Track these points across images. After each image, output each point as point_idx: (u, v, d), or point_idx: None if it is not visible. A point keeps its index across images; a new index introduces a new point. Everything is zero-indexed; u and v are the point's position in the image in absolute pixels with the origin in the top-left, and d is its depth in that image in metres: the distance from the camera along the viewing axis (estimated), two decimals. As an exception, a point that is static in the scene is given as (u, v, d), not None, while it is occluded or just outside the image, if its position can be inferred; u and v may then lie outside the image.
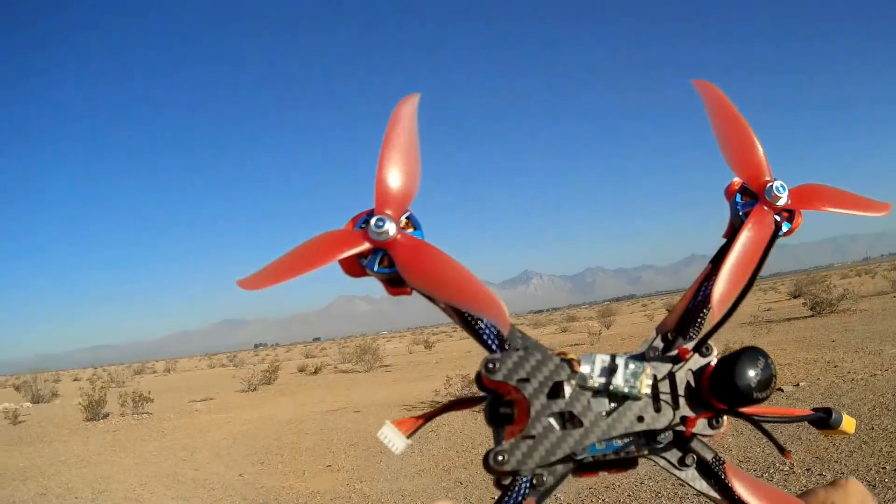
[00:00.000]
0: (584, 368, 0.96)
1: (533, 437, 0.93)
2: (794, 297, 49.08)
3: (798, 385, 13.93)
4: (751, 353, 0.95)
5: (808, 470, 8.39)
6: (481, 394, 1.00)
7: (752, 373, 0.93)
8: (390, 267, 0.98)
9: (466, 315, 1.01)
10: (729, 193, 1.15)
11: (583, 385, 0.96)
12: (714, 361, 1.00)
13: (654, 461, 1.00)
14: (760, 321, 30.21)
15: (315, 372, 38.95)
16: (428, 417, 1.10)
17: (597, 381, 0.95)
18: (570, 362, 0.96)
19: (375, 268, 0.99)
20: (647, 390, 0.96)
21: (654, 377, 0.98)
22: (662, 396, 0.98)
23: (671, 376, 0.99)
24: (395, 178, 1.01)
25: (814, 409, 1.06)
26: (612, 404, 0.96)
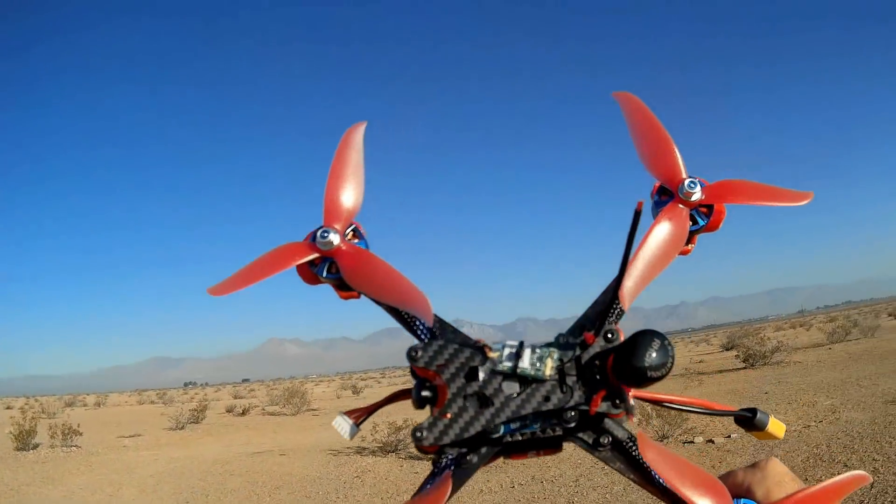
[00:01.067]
0: (494, 354, 1.06)
1: (449, 414, 1.05)
2: (727, 350, 48.53)
3: (729, 437, 13.87)
4: (646, 335, 1.01)
5: None
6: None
7: (646, 352, 0.99)
8: (337, 273, 1.18)
9: (404, 314, 1.19)
10: (650, 197, 1.25)
11: (493, 369, 1.06)
12: None
13: (574, 443, 1.09)
14: (692, 373, 30.41)
15: (243, 413, 38.62)
16: (375, 407, 1.27)
17: (505, 364, 1.05)
18: (483, 349, 1.07)
19: (324, 274, 1.19)
20: (552, 373, 1.05)
21: (561, 360, 1.06)
22: (569, 379, 1.05)
23: (577, 360, 1.06)
24: (340, 195, 1.21)
25: (741, 409, 1.20)
26: (522, 387, 1.05)
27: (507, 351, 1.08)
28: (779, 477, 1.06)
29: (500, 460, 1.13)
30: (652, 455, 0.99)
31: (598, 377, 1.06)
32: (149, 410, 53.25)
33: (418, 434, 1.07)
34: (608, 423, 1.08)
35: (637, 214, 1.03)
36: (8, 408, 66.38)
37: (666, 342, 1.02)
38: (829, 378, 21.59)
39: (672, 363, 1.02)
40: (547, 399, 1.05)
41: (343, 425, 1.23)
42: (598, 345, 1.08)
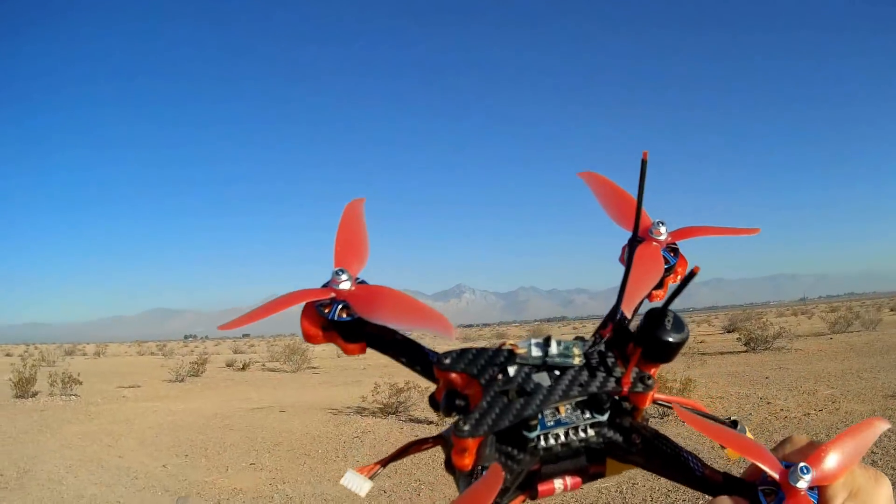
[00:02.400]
0: (521, 350, 1.09)
1: (485, 406, 1.04)
2: (728, 332, 48.88)
3: (730, 419, 13.95)
4: (659, 311, 1.09)
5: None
6: (432, 436, 1.14)
7: (666, 325, 1.07)
8: (350, 316, 1.13)
9: (412, 352, 1.18)
10: (622, 251, 1.35)
11: (523, 362, 1.08)
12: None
13: (609, 455, 1.10)
14: (695, 352, 29.94)
15: (243, 368, 38.72)
16: (386, 462, 1.19)
17: (535, 356, 1.08)
18: (510, 349, 1.10)
19: (335, 315, 1.13)
20: (580, 360, 1.09)
21: (586, 348, 1.12)
22: (595, 364, 1.10)
23: (600, 352, 1.12)
24: (348, 252, 1.23)
25: (726, 419, 1.29)
26: (553, 374, 1.08)
27: (533, 345, 1.10)
28: (805, 441, 1.09)
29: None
30: (690, 422, 1.07)
31: (621, 359, 1.11)
32: (149, 362, 53.45)
33: (461, 426, 1.02)
34: (634, 423, 1.10)
35: (644, 164, 1.14)
36: (7, 355, 66.72)
37: (677, 315, 1.10)
38: (829, 368, 21.62)
39: (688, 332, 1.12)
40: (579, 384, 1.08)
41: (355, 482, 1.12)
42: (615, 335, 1.15)
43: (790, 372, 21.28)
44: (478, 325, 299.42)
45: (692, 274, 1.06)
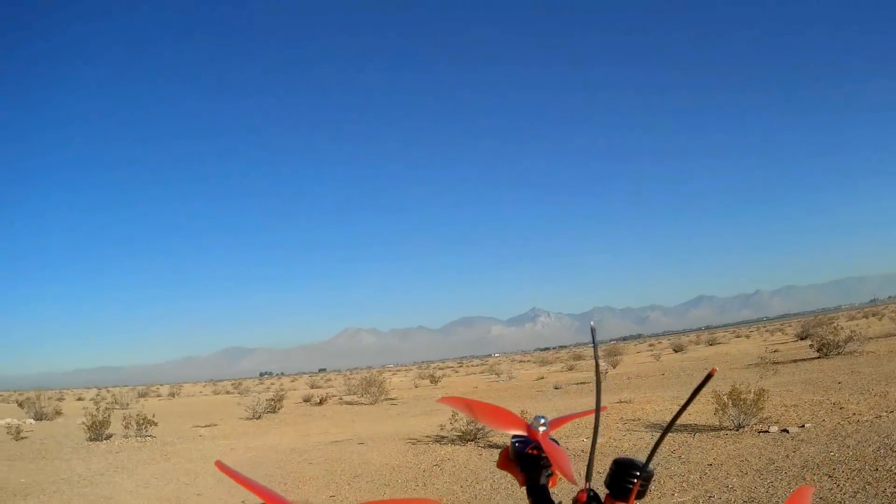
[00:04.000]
0: None
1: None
2: (801, 339, 49.35)
3: (803, 426, 13.93)
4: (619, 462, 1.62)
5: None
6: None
7: (626, 466, 1.59)
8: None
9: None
10: (505, 454, 1.67)
11: None
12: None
13: None
14: (767, 362, 30.23)
15: (320, 402, 38.81)
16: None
17: None
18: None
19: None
20: None
21: None
22: None
23: None
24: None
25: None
26: None
27: None
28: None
29: None
30: None
31: None
32: (224, 400, 54.07)
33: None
34: None
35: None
36: (79, 399, 67.76)
37: (631, 459, 1.60)
38: (900, 369, 21.54)
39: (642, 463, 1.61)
40: None
41: None
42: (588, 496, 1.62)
43: (862, 375, 21.23)
44: (554, 348, 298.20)
45: (709, 376, 1.62)
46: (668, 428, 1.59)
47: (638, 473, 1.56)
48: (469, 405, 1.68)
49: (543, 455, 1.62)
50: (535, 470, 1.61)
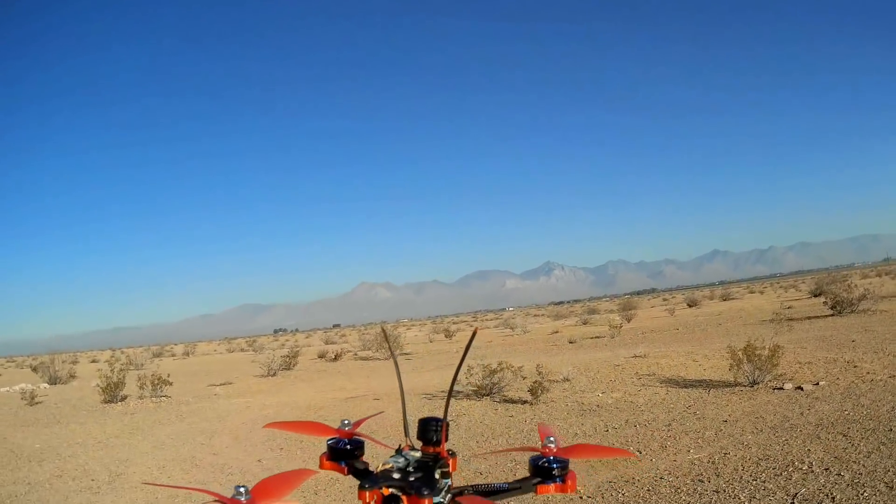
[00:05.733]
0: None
1: None
2: (815, 296, 49.36)
3: (818, 384, 13.90)
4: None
5: (826, 469, 8.16)
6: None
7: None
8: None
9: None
10: (323, 457, 1.89)
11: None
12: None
13: None
14: (782, 319, 30.42)
15: (335, 358, 38.83)
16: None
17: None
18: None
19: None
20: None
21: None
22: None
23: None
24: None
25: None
26: None
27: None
28: None
29: None
30: None
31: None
32: (239, 358, 54.31)
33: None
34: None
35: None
36: (93, 361, 68.22)
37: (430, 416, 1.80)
38: (914, 328, 21.47)
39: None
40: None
41: None
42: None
43: (876, 334, 21.21)
44: (569, 302, 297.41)
45: (474, 334, 1.71)
46: (452, 385, 1.72)
47: (439, 423, 1.72)
48: (292, 426, 1.97)
49: (355, 447, 1.85)
50: (350, 458, 1.84)
